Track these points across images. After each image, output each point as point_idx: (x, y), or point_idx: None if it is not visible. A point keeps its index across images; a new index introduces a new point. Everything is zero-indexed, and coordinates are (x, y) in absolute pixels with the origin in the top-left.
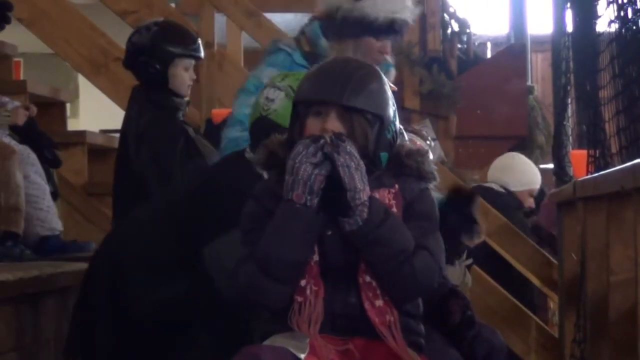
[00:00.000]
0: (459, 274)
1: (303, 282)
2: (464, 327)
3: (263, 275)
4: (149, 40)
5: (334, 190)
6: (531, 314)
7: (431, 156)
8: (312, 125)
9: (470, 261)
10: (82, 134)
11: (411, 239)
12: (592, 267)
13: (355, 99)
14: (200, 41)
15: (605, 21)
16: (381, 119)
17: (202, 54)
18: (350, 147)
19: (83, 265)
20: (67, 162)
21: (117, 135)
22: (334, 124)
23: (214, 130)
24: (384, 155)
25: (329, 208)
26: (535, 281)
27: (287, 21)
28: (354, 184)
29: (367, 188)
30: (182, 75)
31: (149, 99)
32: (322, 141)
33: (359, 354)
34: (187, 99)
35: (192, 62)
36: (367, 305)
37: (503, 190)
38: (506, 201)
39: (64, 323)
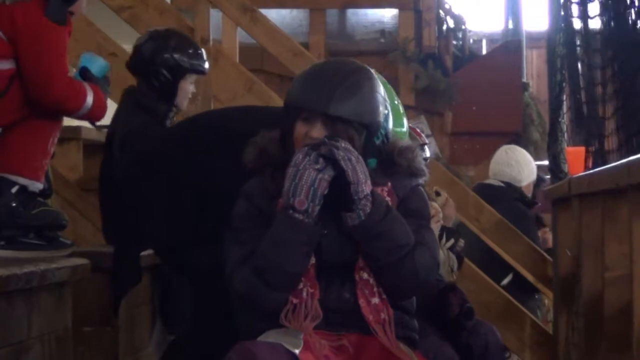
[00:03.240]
0: (443, 258)
1: (300, 285)
2: (463, 317)
3: (262, 284)
4: (166, 51)
5: (336, 187)
6: (525, 311)
7: (427, 153)
8: (300, 130)
9: (451, 243)
10: (77, 129)
11: (411, 233)
12: (587, 263)
13: (342, 109)
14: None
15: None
16: (368, 127)
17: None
18: (345, 144)
19: (78, 261)
20: (62, 158)
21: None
22: (319, 132)
23: None
24: (372, 161)
25: (329, 206)
26: (530, 277)
27: (282, 17)
28: (357, 176)
29: (369, 181)
30: (188, 90)
31: (140, 103)
32: (321, 147)
33: (352, 349)
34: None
35: (197, 76)
36: (362, 302)
37: (502, 185)
38: (507, 194)
39: (58, 318)
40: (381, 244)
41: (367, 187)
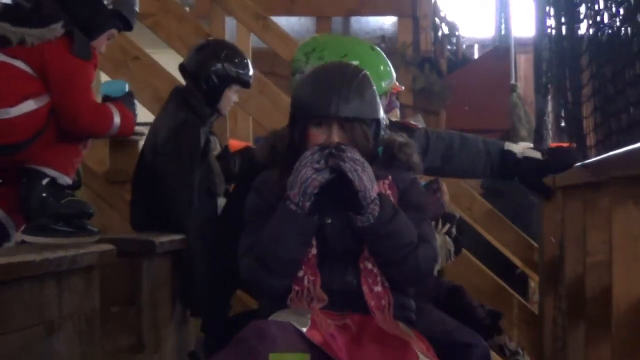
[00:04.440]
0: (440, 243)
1: (301, 273)
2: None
3: (263, 269)
4: (219, 60)
5: (346, 191)
6: (514, 293)
7: None
8: (316, 136)
9: (447, 228)
10: None
11: (415, 231)
12: (570, 250)
13: (353, 110)
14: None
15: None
16: (377, 121)
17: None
18: (351, 153)
19: (105, 247)
20: (90, 153)
21: (138, 127)
22: (338, 134)
23: (227, 156)
24: (380, 150)
25: (337, 200)
26: (518, 263)
27: (291, 24)
28: (364, 185)
29: (375, 186)
30: (231, 98)
31: (188, 102)
32: (326, 151)
33: (355, 328)
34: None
35: (240, 88)
36: (365, 288)
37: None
38: (515, 187)
39: (87, 298)
40: (387, 243)
41: (374, 192)
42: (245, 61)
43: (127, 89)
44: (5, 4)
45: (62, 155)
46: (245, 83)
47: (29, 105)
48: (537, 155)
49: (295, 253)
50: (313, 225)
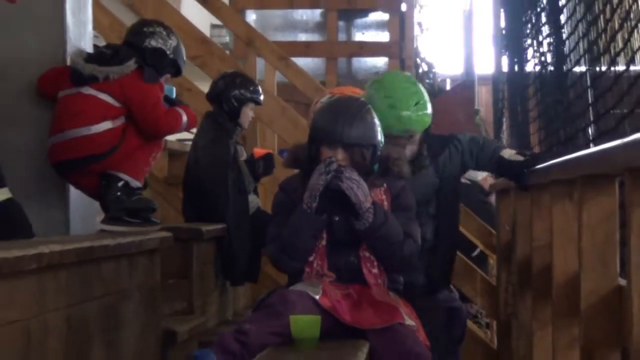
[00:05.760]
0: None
1: (311, 258)
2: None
3: (285, 256)
4: (235, 87)
5: (347, 202)
6: (477, 269)
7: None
8: (326, 154)
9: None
10: (164, 141)
11: (402, 232)
12: (520, 235)
13: (354, 137)
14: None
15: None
16: (374, 145)
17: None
18: (349, 173)
19: (164, 234)
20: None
21: (189, 142)
22: (341, 155)
23: (253, 161)
24: (376, 166)
25: (340, 209)
26: (481, 246)
27: (307, 63)
28: (359, 199)
29: (369, 198)
30: (248, 114)
31: (217, 121)
32: (328, 168)
33: (356, 296)
34: (243, 128)
35: (254, 105)
36: (365, 270)
37: (468, 182)
38: (471, 189)
39: (150, 273)
40: (379, 242)
41: (368, 203)
42: (255, 85)
43: (174, 93)
44: (91, 53)
45: (134, 165)
46: (257, 101)
47: (106, 125)
48: (520, 158)
49: (308, 244)
50: (322, 223)
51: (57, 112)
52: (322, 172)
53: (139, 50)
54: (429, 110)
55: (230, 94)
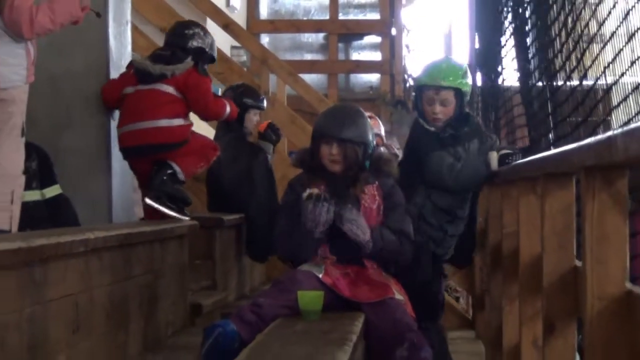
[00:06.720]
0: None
1: (318, 252)
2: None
3: (290, 261)
4: (237, 96)
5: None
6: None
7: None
8: (324, 149)
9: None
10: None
11: (397, 241)
12: (492, 224)
13: (348, 134)
14: (265, 98)
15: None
16: (365, 143)
17: (265, 107)
18: (349, 214)
19: (191, 222)
20: None
21: None
22: (336, 149)
23: (263, 135)
24: (367, 164)
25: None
26: None
27: (312, 78)
28: (359, 236)
29: (368, 232)
30: (252, 119)
31: (229, 127)
32: (336, 221)
33: (353, 275)
34: (250, 131)
35: (259, 111)
36: (364, 256)
37: None
38: None
39: (180, 255)
40: (379, 254)
41: (367, 236)
42: (258, 94)
43: (219, 92)
44: (152, 55)
45: (188, 163)
46: (259, 107)
47: (179, 121)
48: (510, 150)
49: (310, 254)
50: (323, 233)
51: (129, 105)
52: (321, 205)
53: (184, 50)
54: (469, 80)
55: (236, 102)
